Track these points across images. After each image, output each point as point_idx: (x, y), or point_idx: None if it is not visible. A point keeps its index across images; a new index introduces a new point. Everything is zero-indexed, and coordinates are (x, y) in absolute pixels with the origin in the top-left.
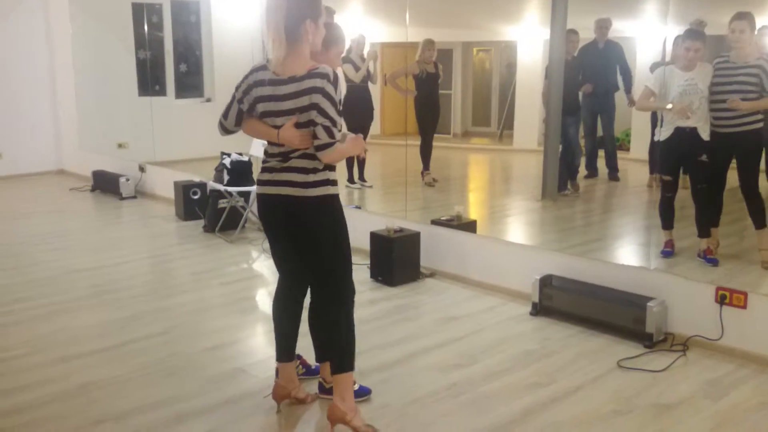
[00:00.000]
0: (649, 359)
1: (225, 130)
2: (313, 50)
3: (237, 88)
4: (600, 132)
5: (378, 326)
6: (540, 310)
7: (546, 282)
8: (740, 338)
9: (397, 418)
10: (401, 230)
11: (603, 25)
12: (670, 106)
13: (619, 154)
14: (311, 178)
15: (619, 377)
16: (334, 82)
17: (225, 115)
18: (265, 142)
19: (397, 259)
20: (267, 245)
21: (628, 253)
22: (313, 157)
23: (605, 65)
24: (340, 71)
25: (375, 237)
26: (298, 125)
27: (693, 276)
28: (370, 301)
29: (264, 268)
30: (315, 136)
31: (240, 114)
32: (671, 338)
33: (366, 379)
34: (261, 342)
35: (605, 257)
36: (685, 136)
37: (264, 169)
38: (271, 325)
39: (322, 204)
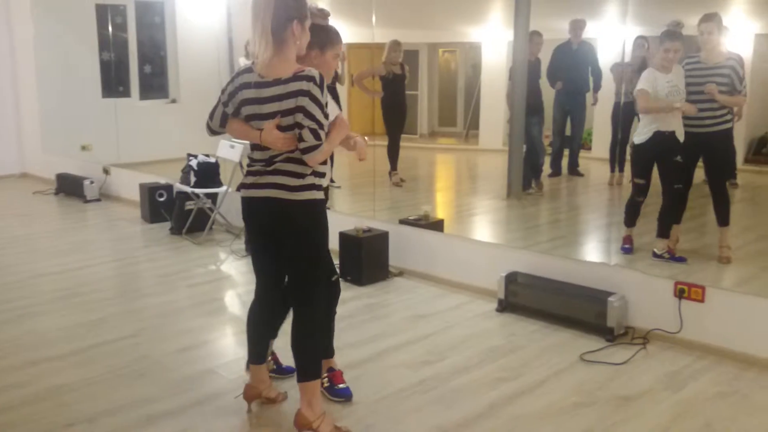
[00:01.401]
0: (610, 352)
1: (211, 131)
2: (299, 53)
3: (223, 91)
4: (568, 131)
5: (348, 325)
6: (506, 306)
7: (511, 279)
8: (698, 331)
9: (368, 415)
10: (370, 230)
11: (578, 26)
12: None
13: (581, 153)
14: (299, 182)
15: (581, 370)
16: (321, 85)
17: (211, 116)
18: (248, 145)
19: (365, 259)
20: (235, 247)
21: (590, 249)
22: (300, 161)
23: (578, 65)
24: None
25: (344, 237)
26: (282, 128)
27: (652, 271)
28: (340, 300)
29: (232, 269)
30: (301, 139)
31: (225, 116)
32: (632, 332)
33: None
34: (230, 343)
35: (568, 254)
36: (663, 139)
37: (249, 173)
38: (241, 326)
39: (309, 208)
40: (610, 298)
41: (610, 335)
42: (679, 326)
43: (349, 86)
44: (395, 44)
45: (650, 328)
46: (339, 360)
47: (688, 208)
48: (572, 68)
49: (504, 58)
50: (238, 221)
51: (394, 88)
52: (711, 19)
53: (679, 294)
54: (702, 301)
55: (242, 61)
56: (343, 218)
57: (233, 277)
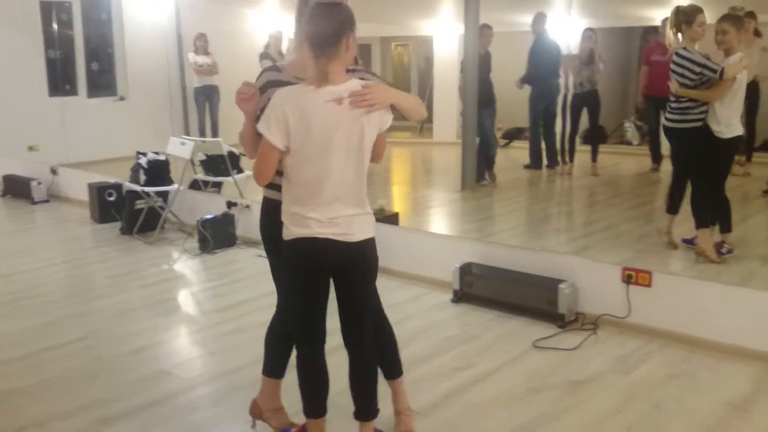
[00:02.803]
0: (562, 338)
1: None
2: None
3: None
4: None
5: None
6: (461, 297)
7: (466, 270)
8: (646, 315)
9: None
10: None
11: (540, 19)
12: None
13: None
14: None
15: (534, 357)
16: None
17: None
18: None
19: None
20: (188, 245)
21: (541, 238)
22: None
23: (554, 58)
24: None
25: None
26: None
27: (602, 258)
28: None
29: (186, 268)
30: None
31: None
32: (582, 318)
33: (291, 373)
34: (185, 343)
35: (521, 243)
36: None
37: None
38: (195, 326)
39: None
40: (561, 286)
41: (562, 322)
42: (627, 311)
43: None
44: None
45: (600, 314)
46: (293, 354)
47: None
48: (547, 60)
49: (456, 52)
50: (191, 219)
51: None
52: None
53: (627, 279)
54: (649, 285)
55: (191, 57)
56: None
57: (187, 276)
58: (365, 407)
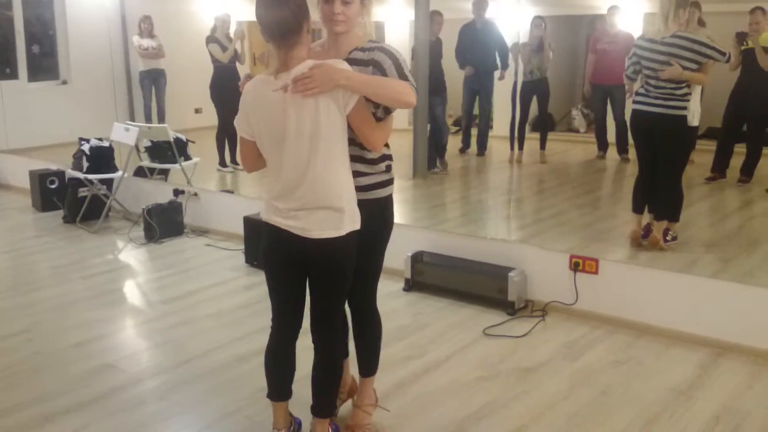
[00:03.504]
0: (511, 326)
1: None
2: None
3: None
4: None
5: (255, 311)
6: (412, 285)
7: (417, 258)
8: (593, 302)
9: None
10: None
11: (481, 6)
12: None
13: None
14: None
15: (485, 344)
16: None
17: None
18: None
19: None
20: (133, 234)
21: (492, 226)
22: None
23: (484, 45)
24: None
25: (249, 221)
26: None
27: (551, 245)
28: (246, 286)
29: (131, 258)
30: None
31: None
32: (531, 305)
33: (246, 364)
34: (130, 336)
35: (472, 232)
36: None
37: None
38: (139, 318)
39: None
40: (511, 273)
41: (511, 309)
42: (575, 298)
43: (251, 65)
44: None
45: (548, 301)
46: (247, 347)
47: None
48: (478, 48)
49: (407, 38)
50: (136, 208)
51: None
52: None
53: (575, 267)
54: (596, 273)
55: (136, 40)
56: (248, 202)
57: (132, 266)
58: (321, 404)
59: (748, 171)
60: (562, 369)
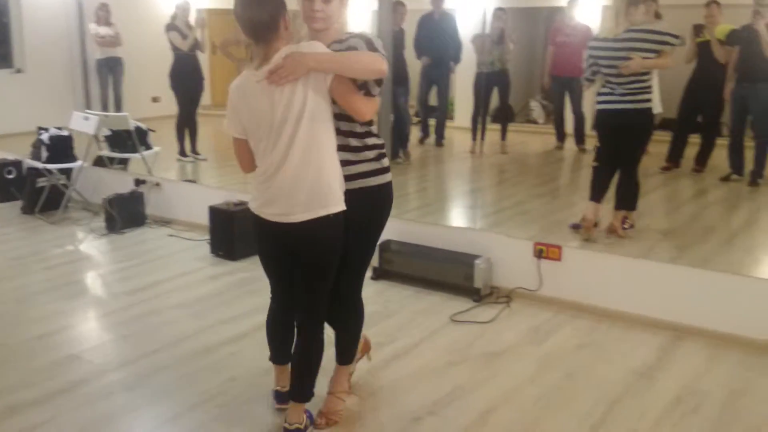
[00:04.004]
0: (478, 312)
1: None
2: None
3: None
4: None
5: (222, 301)
6: (381, 274)
7: (385, 247)
8: (556, 288)
9: (246, 390)
10: (241, 203)
11: None
12: None
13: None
14: None
15: (452, 331)
16: None
17: None
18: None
19: (238, 233)
20: (94, 225)
21: (457, 215)
22: None
23: (441, 36)
24: None
25: (214, 211)
26: None
27: (513, 233)
28: (211, 276)
29: (92, 249)
30: None
31: None
32: (496, 291)
33: (214, 354)
34: (94, 327)
35: (437, 221)
36: None
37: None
38: (103, 309)
39: None
40: (477, 261)
41: (477, 296)
42: (539, 284)
43: (210, 54)
44: None
45: (513, 287)
46: (215, 336)
47: (540, 173)
48: (435, 39)
49: (370, 28)
50: (96, 198)
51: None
52: None
53: (538, 254)
54: (559, 259)
55: (93, 28)
56: (212, 192)
57: (94, 257)
58: (295, 387)
59: (702, 161)
60: (528, 353)
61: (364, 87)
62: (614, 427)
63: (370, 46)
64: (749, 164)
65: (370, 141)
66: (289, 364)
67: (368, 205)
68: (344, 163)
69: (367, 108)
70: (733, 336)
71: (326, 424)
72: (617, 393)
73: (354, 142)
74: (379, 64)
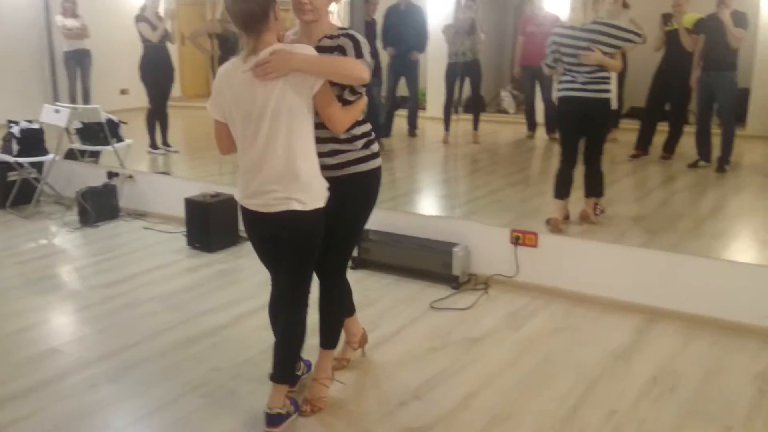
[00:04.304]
0: (456, 299)
1: None
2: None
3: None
4: (403, 92)
5: (201, 293)
6: (359, 263)
7: (363, 237)
8: (533, 274)
9: (230, 380)
10: (217, 195)
11: None
12: None
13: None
14: None
15: (432, 317)
16: None
17: None
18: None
19: (214, 224)
20: (67, 219)
21: (432, 204)
22: None
23: (408, 27)
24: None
25: (190, 203)
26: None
27: (493, 220)
28: (188, 268)
29: (67, 243)
30: None
31: None
32: (474, 278)
33: (196, 345)
34: (72, 321)
35: (414, 210)
36: None
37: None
38: (81, 303)
39: None
40: (455, 249)
41: (456, 283)
42: (516, 270)
43: (179, 45)
44: None
45: (491, 274)
46: (196, 328)
47: (514, 162)
48: (402, 30)
49: (342, 18)
50: (68, 191)
51: (231, 46)
52: None
53: (515, 241)
54: (535, 246)
55: (60, 20)
56: (187, 184)
57: (68, 251)
58: (277, 369)
59: (670, 148)
60: (507, 338)
61: (340, 98)
62: (593, 408)
63: (357, 51)
64: (716, 151)
65: (359, 130)
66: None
67: (358, 190)
68: (334, 153)
69: (343, 121)
70: (706, 317)
71: (312, 411)
72: (595, 375)
73: (343, 134)
74: (360, 72)
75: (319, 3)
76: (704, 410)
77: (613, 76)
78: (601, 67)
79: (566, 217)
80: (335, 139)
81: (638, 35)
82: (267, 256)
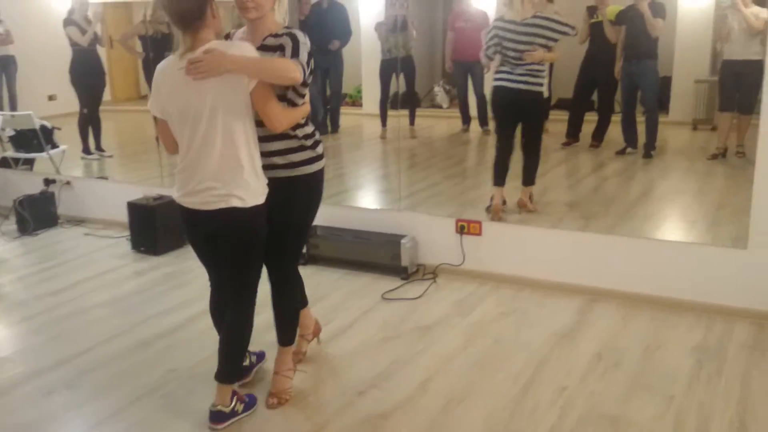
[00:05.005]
0: (406, 289)
1: None
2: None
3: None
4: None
5: (150, 296)
6: (309, 259)
7: (311, 233)
8: (478, 261)
9: (186, 381)
10: (160, 197)
11: None
12: None
13: (352, 110)
14: None
15: (384, 308)
16: None
17: None
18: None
19: (159, 227)
20: (5, 228)
21: (376, 198)
22: None
23: (329, 25)
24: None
25: (133, 206)
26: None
27: (434, 212)
28: (135, 272)
29: (6, 252)
30: None
31: None
32: (423, 269)
33: (150, 348)
34: (21, 330)
35: (358, 205)
36: None
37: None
38: (28, 312)
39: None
40: (403, 240)
41: (405, 274)
42: (462, 259)
43: (108, 49)
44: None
45: (438, 263)
46: (148, 331)
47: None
48: (324, 28)
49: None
50: (3, 200)
51: (162, 48)
52: None
53: (460, 230)
54: (479, 234)
55: None
56: (128, 187)
57: (9, 260)
58: (222, 367)
59: (599, 136)
60: (457, 324)
61: (284, 98)
62: (544, 385)
63: (295, 51)
64: (642, 138)
65: (306, 131)
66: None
67: (305, 190)
68: (282, 152)
69: (283, 118)
70: (643, 295)
71: (278, 403)
72: (543, 354)
73: (290, 132)
74: (292, 72)
75: (262, 1)
76: (648, 382)
77: (547, 69)
78: (540, 62)
79: (503, 203)
80: (284, 138)
81: (572, 27)
82: (206, 256)
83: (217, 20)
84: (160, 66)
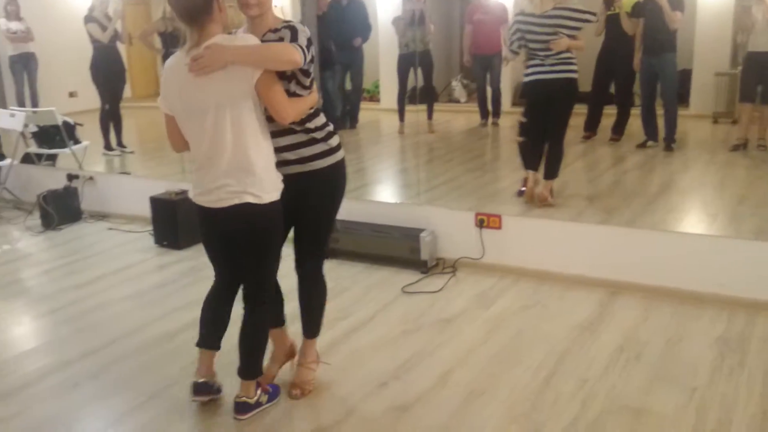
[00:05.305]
0: (426, 283)
1: None
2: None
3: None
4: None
5: (174, 289)
6: (330, 253)
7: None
8: (499, 255)
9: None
10: (183, 192)
11: None
12: None
13: (369, 105)
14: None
15: (404, 302)
16: None
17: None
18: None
19: (182, 222)
20: (30, 223)
21: (396, 193)
22: None
23: (349, 20)
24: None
25: (156, 201)
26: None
27: (454, 206)
28: (158, 266)
29: (31, 247)
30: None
31: None
32: (442, 262)
33: (173, 341)
34: (46, 322)
35: (378, 199)
36: None
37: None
38: (53, 305)
39: None
40: (422, 234)
41: (425, 267)
42: (481, 252)
43: (128, 46)
44: None
45: (458, 257)
46: (170, 324)
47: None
48: (342, 24)
49: (294, 13)
50: (27, 196)
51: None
52: None
53: (480, 224)
54: (499, 228)
55: (3, 24)
56: (151, 182)
57: (34, 255)
58: (241, 365)
59: (618, 130)
60: (477, 317)
61: (288, 93)
62: (565, 377)
63: (294, 37)
64: (662, 131)
65: (316, 122)
66: (214, 353)
67: (322, 185)
68: (292, 147)
69: (290, 108)
70: (665, 288)
71: (302, 394)
72: (564, 347)
73: (298, 127)
74: (289, 55)
75: None
76: (670, 375)
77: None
78: (567, 49)
79: (533, 192)
80: (292, 132)
81: (593, 14)
82: (218, 256)
83: (223, 13)
84: (168, 62)
